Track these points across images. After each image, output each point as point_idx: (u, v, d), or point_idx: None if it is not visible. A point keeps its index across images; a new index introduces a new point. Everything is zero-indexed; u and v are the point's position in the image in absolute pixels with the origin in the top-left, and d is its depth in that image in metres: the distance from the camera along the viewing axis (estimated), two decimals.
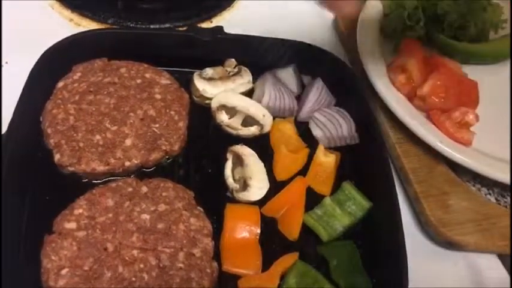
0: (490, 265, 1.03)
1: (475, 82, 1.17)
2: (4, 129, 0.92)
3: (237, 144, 1.03)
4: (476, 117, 1.11)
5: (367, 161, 1.05)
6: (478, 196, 1.08)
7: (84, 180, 0.95)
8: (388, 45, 1.27)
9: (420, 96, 1.11)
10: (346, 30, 1.35)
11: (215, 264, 0.88)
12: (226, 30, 1.14)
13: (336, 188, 1.02)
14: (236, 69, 1.14)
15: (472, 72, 1.21)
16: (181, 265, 0.85)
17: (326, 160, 1.04)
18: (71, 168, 0.94)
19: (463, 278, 1.01)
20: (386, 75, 1.16)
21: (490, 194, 1.10)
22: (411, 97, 1.13)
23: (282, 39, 1.16)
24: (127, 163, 0.96)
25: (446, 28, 1.26)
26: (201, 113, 1.10)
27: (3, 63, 1.14)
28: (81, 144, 0.95)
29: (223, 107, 1.06)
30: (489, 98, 1.18)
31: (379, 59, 1.19)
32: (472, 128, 1.11)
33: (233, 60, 1.15)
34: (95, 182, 0.95)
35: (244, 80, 1.12)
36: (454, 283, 1.00)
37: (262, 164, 1.01)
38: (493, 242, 1.01)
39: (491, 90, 1.21)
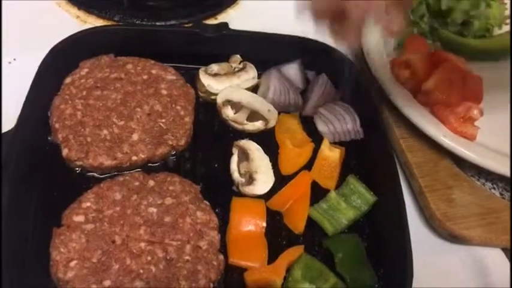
0: (495, 259, 1.03)
1: (479, 77, 1.17)
2: (13, 125, 0.93)
3: (243, 139, 1.05)
4: (481, 112, 1.11)
5: (372, 155, 1.06)
6: (482, 190, 1.08)
7: (91, 175, 0.97)
8: (392, 40, 1.28)
9: (424, 91, 1.12)
10: None
11: (221, 257, 0.88)
12: (231, 26, 1.15)
13: (340, 182, 1.03)
14: (241, 65, 1.15)
15: (476, 67, 1.21)
16: (188, 258, 0.86)
17: (331, 154, 1.04)
18: (78, 163, 0.95)
19: (468, 272, 1.01)
20: (390, 70, 1.16)
21: (494, 188, 1.11)
22: (415, 92, 1.13)
23: (287, 35, 1.16)
24: (134, 158, 0.97)
25: (451, 24, 1.27)
26: (206, 109, 1.11)
27: (11, 60, 1.16)
28: (88, 139, 0.96)
29: (228, 102, 1.07)
30: (493, 93, 1.19)
31: (383, 54, 1.20)
32: (476, 123, 1.11)
33: (238, 56, 1.16)
34: (103, 176, 0.97)
35: (250, 75, 1.13)
36: (458, 277, 1.00)
37: (267, 159, 1.02)
38: (497, 236, 1.02)
39: (496, 85, 1.21)
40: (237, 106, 1.07)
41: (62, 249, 0.83)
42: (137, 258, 0.84)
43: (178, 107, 1.05)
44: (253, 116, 1.07)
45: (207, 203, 0.94)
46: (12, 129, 0.93)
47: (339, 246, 0.93)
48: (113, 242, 0.85)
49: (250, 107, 1.06)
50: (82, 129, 0.98)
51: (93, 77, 1.05)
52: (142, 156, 0.97)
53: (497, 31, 1.33)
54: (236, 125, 1.07)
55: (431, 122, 1.08)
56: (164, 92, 1.06)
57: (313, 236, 0.96)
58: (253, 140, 1.04)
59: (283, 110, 1.12)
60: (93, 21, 1.28)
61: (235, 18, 1.35)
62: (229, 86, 1.09)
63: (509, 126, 1.15)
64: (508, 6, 1.33)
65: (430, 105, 1.12)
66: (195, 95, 1.10)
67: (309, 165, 1.04)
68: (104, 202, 0.89)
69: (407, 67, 1.15)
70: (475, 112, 1.11)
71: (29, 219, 0.89)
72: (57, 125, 0.98)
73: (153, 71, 1.10)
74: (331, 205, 0.98)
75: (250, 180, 0.98)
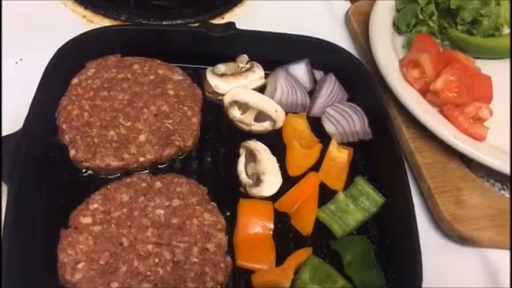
0: (504, 261, 1.02)
1: (488, 77, 1.16)
2: (20, 126, 0.93)
3: (250, 139, 1.04)
4: (490, 112, 1.10)
5: (380, 156, 1.05)
6: (492, 191, 1.07)
7: (99, 176, 0.96)
8: (400, 40, 1.27)
9: (433, 91, 1.10)
10: (358, 25, 1.35)
11: (229, 259, 0.88)
12: (238, 26, 1.14)
13: (349, 183, 1.02)
14: (248, 65, 1.14)
15: (486, 66, 1.20)
16: (195, 260, 0.85)
17: (339, 155, 1.03)
18: (86, 164, 0.95)
19: (477, 274, 1.01)
20: (398, 70, 1.15)
21: (504, 189, 1.10)
22: (424, 92, 1.12)
23: (294, 35, 1.15)
24: (141, 159, 0.96)
25: (460, 23, 1.26)
26: (213, 109, 1.10)
27: (18, 60, 1.16)
28: (95, 140, 0.96)
29: (235, 102, 1.06)
30: (503, 93, 1.18)
31: (392, 53, 1.19)
32: (485, 123, 1.10)
33: (245, 56, 1.15)
34: (110, 177, 0.96)
35: (257, 75, 1.12)
36: (467, 279, 1.00)
37: (275, 160, 1.02)
38: (507, 238, 1.01)
39: (505, 84, 1.20)
40: (244, 107, 1.07)
41: (69, 251, 0.83)
42: (145, 260, 0.84)
43: (185, 108, 1.04)
44: (261, 116, 1.07)
45: (214, 204, 0.94)
46: (19, 130, 0.92)
47: (347, 248, 0.92)
48: (121, 244, 0.85)
49: (258, 108, 1.05)
50: (89, 130, 0.97)
51: (100, 78, 1.05)
52: (150, 157, 0.97)
53: (506, 30, 1.32)
54: (243, 126, 1.06)
55: (440, 122, 1.07)
56: (171, 92, 1.06)
57: (321, 238, 0.95)
58: (260, 141, 1.04)
59: (290, 110, 1.11)
60: (99, 21, 1.28)
61: (242, 18, 1.35)
62: (236, 86, 1.08)
63: None
64: None
65: (439, 105, 1.11)
66: (202, 95, 1.09)
67: (316, 166, 1.03)
68: (111, 204, 0.89)
69: (415, 67, 1.14)
70: (485, 112, 1.09)
71: (36, 220, 0.89)
72: (64, 126, 0.98)
73: (160, 71, 1.09)
74: (339, 206, 0.97)
75: (258, 181, 0.97)
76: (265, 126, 1.07)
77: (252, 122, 1.06)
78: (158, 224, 0.88)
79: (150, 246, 0.85)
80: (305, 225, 0.95)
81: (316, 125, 1.11)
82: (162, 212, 0.89)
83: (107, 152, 0.95)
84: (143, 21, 1.28)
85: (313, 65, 1.18)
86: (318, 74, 1.18)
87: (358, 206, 0.98)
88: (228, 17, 1.35)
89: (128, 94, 1.03)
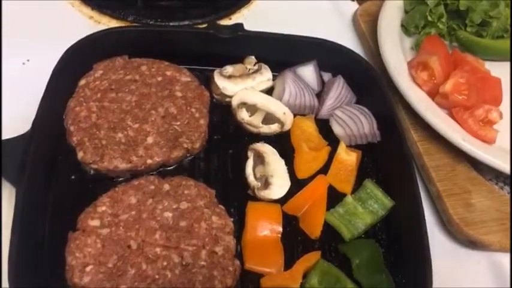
0: None
1: (498, 79, 1.16)
2: (28, 128, 0.93)
3: (258, 142, 1.03)
4: (500, 115, 1.10)
5: (389, 159, 1.05)
6: (501, 195, 1.06)
7: (106, 178, 0.96)
8: (408, 41, 1.26)
9: (442, 93, 1.10)
10: (366, 26, 1.34)
11: (237, 262, 0.88)
12: (245, 27, 1.13)
13: (357, 186, 1.02)
14: (256, 67, 1.13)
15: (495, 68, 1.19)
16: (203, 263, 0.85)
17: (347, 158, 1.03)
18: (93, 166, 0.94)
19: (486, 277, 1.00)
20: (407, 72, 1.15)
21: None
22: (433, 94, 1.12)
23: (302, 36, 1.15)
24: (149, 161, 0.96)
25: (469, 24, 1.25)
26: (221, 111, 1.10)
27: (25, 61, 1.15)
28: (103, 142, 0.96)
29: (243, 104, 1.06)
30: None
31: (400, 55, 1.18)
32: (495, 126, 1.09)
33: (253, 57, 1.15)
34: (118, 179, 0.96)
35: (264, 77, 1.11)
36: (476, 282, 0.99)
37: (283, 162, 1.01)
38: None
39: None
40: (252, 109, 1.06)
41: (77, 254, 0.82)
42: (153, 264, 0.83)
43: (193, 110, 1.04)
44: (269, 118, 1.06)
45: (222, 207, 0.93)
46: (27, 132, 0.92)
47: (356, 252, 0.92)
48: (129, 246, 0.85)
49: (266, 110, 1.05)
50: (97, 132, 0.97)
51: (107, 79, 1.05)
52: (157, 159, 0.96)
53: None
54: (251, 128, 1.06)
55: (449, 125, 1.07)
56: (179, 94, 1.05)
57: (330, 241, 0.95)
58: (268, 143, 1.03)
59: (298, 112, 1.10)
60: (106, 22, 1.28)
61: (249, 19, 1.34)
62: (244, 88, 1.08)
63: None
64: None
65: (449, 108, 1.10)
66: (210, 97, 1.09)
67: (325, 169, 1.03)
68: (119, 206, 0.89)
69: (424, 69, 1.13)
70: (495, 115, 1.09)
71: (44, 222, 0.89)
72: (72, 128, 0.97)
73: (168, 73, 1.09)
74: (347, 210, 0.97)
75: (266, 184, 0.97)
76: (273, 128, 1.06)
77: (260, 124, 1.06)
78: (166, 226, 0.88)
79: (158, 249, 0.85)
80: (313, 229, 0.94)
81: (324, 127, 1.10)
82: (170, 214, 0.89)
83: (114, 154, 0.95)
84: (150, 22, 1.28)
85: (321, 67, 1.17)
86: (326, 76, 1.18)
87: (366, 209, 0.97)
88: (235, 18, 1.35)
89: (135, 96, 1.03)
